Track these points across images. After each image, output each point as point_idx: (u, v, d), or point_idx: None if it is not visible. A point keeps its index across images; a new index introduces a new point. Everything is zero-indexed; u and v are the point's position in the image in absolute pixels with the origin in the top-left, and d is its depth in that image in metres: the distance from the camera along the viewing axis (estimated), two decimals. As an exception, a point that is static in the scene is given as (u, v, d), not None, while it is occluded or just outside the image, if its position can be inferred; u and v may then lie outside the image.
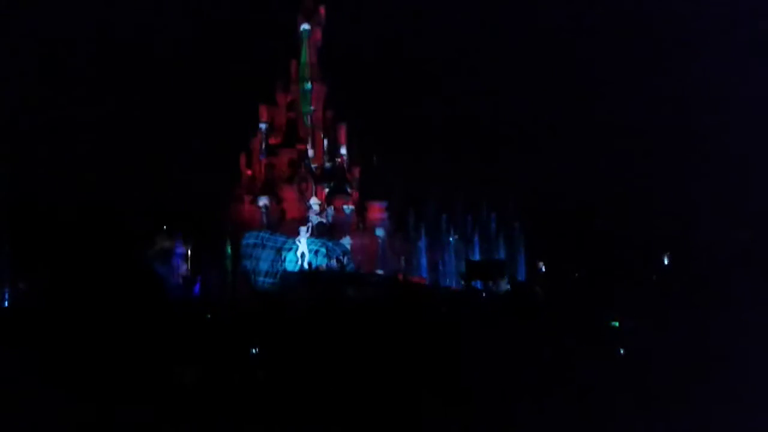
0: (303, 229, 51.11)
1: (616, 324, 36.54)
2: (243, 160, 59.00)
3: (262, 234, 50.59)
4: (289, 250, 49.40)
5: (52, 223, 46.79)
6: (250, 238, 49.91)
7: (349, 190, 57.30)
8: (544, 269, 52.93)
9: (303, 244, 49.99)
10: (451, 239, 54.95)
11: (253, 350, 32.26)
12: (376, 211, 56.78)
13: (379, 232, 54.57)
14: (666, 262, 55.95)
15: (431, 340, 32.13)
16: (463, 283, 50.91)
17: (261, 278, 48.63)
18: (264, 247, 49.28)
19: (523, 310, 40.96)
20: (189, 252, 49.37)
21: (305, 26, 60.76)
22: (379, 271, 52.11)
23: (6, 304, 42.15)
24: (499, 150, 74.88)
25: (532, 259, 56.07)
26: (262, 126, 58.99)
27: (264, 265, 48.87)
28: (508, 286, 50.01)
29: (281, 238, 50.03)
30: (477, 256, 55.24)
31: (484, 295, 46.25)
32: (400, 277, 49.33)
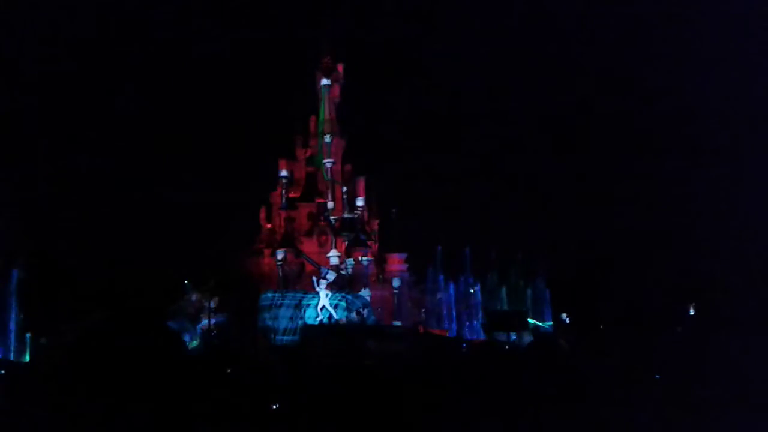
0: (323, 282, 50.76)
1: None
2: (263, 213, 59.56)
3: (279, 294, 50.15)
4: (308, 306, 48.96)
5: (74, 279, 47.19)
6: (267, 296, 49.64)
7: (368, 242, 57.34)
8: (568, 321, 52.12)
9: (323, 296, 49.58)
10: (472, 290, 54.49)
11: (274, 406, 31.79)
12: (396, 262, 56.77)
13: (398, 283, 54.25)
14: (692, 312, 54.99)
15: (453, 393, 31.64)
16: (485, 334, 50.26)
17: (280, 336, 48.05)
18: (282, 305, 48.89)
19: (546, 363, 40.19)
20: (210, 306, 49.22)
21: (324, 82, 62.04)
22: (398, 323, 51.65)
23: (27, 358, 42.17)
24: (522, 200, 74.90)
25: (556, 310, 55.37)
26: (282, 180, 59.66)
27: (283, 323, 48.39)
28: (531, 338, 49.26)
29: (299, 294, 49.73)
30: (499, 307, 54.65)
31: (506, 347, 45.50)
32: (421, 329, 48.79)
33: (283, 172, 59.84)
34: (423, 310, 53.63)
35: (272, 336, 47.16)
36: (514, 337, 47.50)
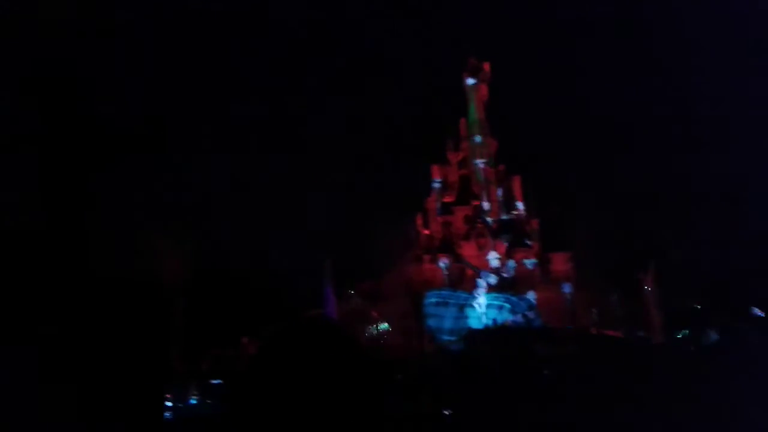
0: (481, 282, 49.80)
1: None
2: (419, 220, 59.56)
3: (444, 292, 49.93)
4: (472, 306, 48.17)
5: (248, 290, 49.46)
6: (431, 297, 49.38)
7: (528, 242, 55.51)
8: (762, 315, 46.90)
9: (482, 299, 48.56)
10: (646, 287, 50.77)
11: (446, 411, 31.19)
12: (561, 262, 54.47)
13: (566, 284, 51.80)
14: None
15: (631, 398, 29.49)
16: (664, 334, 46.62)
17: (445, 336, 47.63)
18: (447, 304, 48.46)
19: (740, 364, 36.36)
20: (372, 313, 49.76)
21: (470, 81, 61.13)
22: (569, 327, 49.25)
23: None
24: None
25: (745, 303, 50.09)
26: (436, 185, 59.47)
27: (448, 323, 47.92)
28: (717, 336, 44.96)
29: (463, 295, 49.07)
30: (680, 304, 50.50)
31: (692, 347, 41.82)
32: (594, 331, 46.18)
33: (437, 177, 59.70)
34: (594, 310, 50.68)
35: (438, 336, 46.86)
36: (701, 336, 43.50)
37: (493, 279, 51.69)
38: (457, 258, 55.26)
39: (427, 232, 58.84)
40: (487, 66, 62.05)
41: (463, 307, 48.47)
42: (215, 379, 38.43)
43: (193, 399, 37.46)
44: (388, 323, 49.95)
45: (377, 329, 48.32)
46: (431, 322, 47.64)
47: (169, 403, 33.47)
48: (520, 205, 58.29)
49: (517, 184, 59.07)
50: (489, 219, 57.00)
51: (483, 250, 54.90)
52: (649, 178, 72.91)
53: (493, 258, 54.00)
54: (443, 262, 53.83)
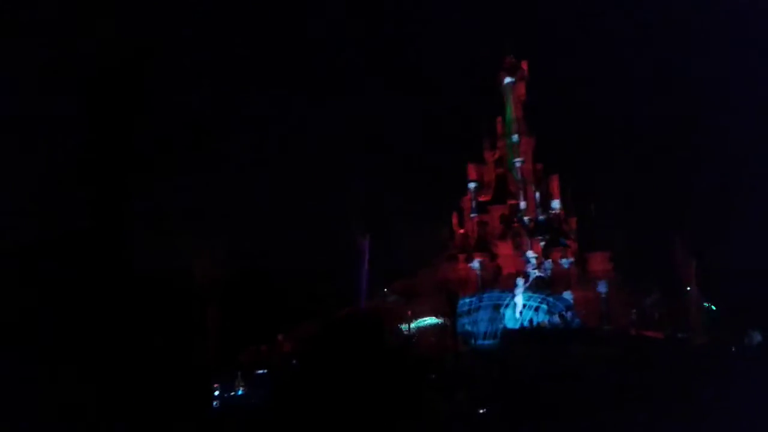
0: (520, 281, 49.34)
1: None
2: (455, 219, 59.27)
3: (476, 297, 49.51)
4: (507, 306, 47.64)
5: (284, 290, 49.95)
6: (464, 305, 49.03)
7: (566, 241, 54.82)
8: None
9: (519, 298, 48.05)
10: (688, 288, 49.71)
11: (481, 410, 31.18)
12: (599, 262, 53.63)
13: (603, 284, 50.98)
14: None
15: (669, 400, 29.17)
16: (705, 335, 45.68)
17: (480, 340, 47.23)
18: (480, 307, 48.03)
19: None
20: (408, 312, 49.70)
21: (508, 80, 60.62)
22: (606, 327, 48.51)
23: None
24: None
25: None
26: (472, 184, 59.13)
27: (482, 326, 47.48)
28: (761, 338, 43.89)
29: (497, 293, 48.63)
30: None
31: (733, 349, 40.89)
32: (633, 331, 45.42)
33: (472, 176, 59.37)
34: (633, 311, 49.78)
35: (472, 340, 46.48)
36: (744, 338, 42.54)
37: (532, 275, 51.47)
38: (492, 257, 54.92)
39: (462, 231, 58.56)
40: (524, 64, 61.39)
41: (498, 306, 48.00)
42: (258, 369, 39.32)
43: (240, 389, 38.34)
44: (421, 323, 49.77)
45: (410, 327, 48.16)
46: (466, 328, 47.25)
47: (216, 393, 34.57)
48: (557, 203, 57.58)
49: (555, 183, 58.37)
50: (525, 218, 56.50)
51: (519, 249, 54.45)
52: (691, 177, 71.27)
53: (530, 257, 53.55)
54: (477, 263, 53.50)
